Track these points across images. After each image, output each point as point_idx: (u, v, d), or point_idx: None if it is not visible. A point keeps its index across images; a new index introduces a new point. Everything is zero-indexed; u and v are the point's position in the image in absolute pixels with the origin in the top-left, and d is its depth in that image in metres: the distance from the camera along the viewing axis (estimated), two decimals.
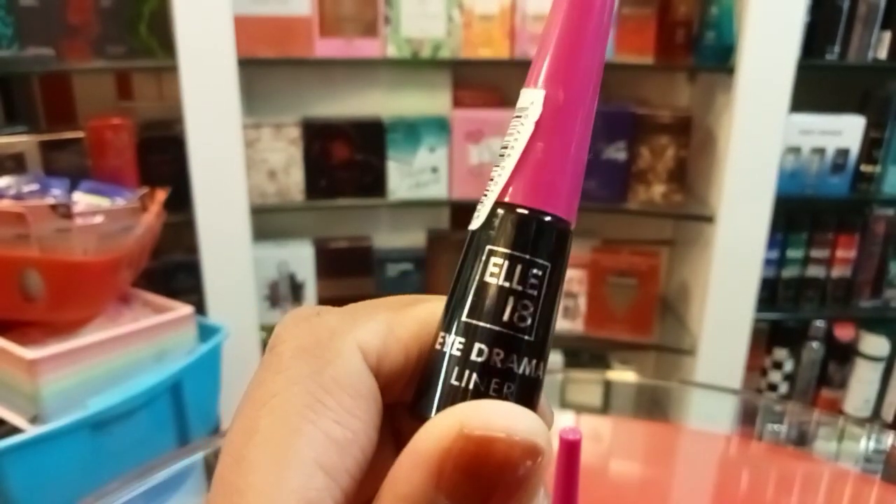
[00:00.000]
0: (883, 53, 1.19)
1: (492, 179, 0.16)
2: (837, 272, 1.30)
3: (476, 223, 0.16)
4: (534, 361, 0.15)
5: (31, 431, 0.77)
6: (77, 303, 0.89)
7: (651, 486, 0.60)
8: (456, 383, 0.15)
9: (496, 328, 0.15)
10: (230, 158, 1.13)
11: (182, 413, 0.93)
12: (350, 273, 1.30)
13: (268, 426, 0.14)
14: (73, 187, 0.97)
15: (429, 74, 1.29)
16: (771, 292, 1.29)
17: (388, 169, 1.24)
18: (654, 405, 0.77)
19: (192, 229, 1.14)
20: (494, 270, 0.15)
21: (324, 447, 0.14)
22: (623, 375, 1.17)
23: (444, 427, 0.13)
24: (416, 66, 1.27)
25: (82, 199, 0.94)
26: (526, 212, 0.15)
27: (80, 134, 1.12)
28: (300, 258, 1.27)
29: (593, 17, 0.16)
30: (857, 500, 0.59)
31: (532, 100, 0.16)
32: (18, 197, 0.91)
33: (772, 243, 1.24)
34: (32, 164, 1.06)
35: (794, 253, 1.29)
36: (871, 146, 1.23)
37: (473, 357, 0.15)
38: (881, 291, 1.32)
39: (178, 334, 0.94)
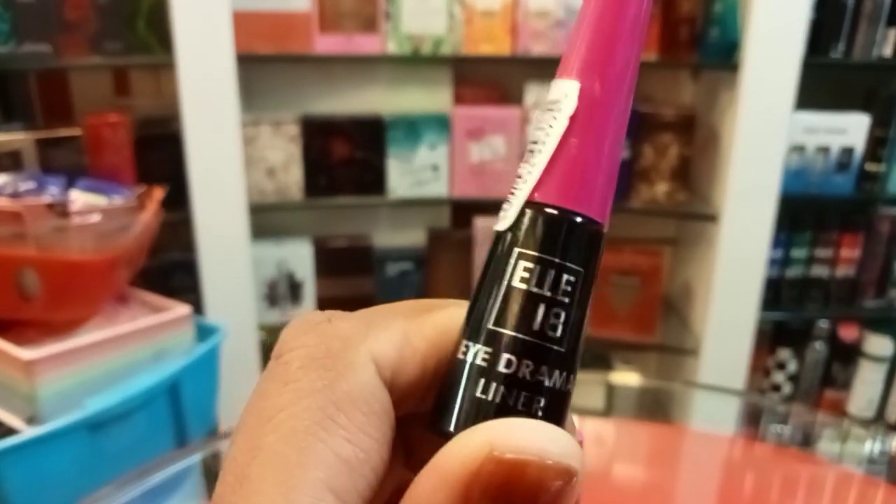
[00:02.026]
0: (888, 51, 1.18)
1: (520, 177, 0.15)
2: (842, 272, 1.29)
3: (503, 224, 0.15)
4: (564, 374, 0.14)
5: (27, 432, 0.77)
6: (74, 302, 0.88)
7: (655, 489, 0.60)
8: (481, 396, 0.14)
9: (525, 337, 0.14)
10: (228, 156, 1.12)
11: (180, 414, 0.92)
12: (350, 272, 1.29)
13: (273, 444, 0.13)
14: (70, 185, 0.96)
15: (429, 71, 1.28)
16: (774, 292, 1.29)
17: (388, 167, 1.23)
18: (656, 407, 0.76)
19: (189, 228, 1.13)
20: (524, 275, 0.14)
21: (334, 468, 0.13)
22: (626, 378, 1.17)
23: (471, 448, 0.12)
24: (416, 63, 1.26)
25: (79, 198, 0.94)
26: (558, 213, 0.14)
27: (77, 131, 1.11)
28: (299, 257, 1.26)
29: (633, 4, 0.15)
30: (862, 503, 0.59)
31: (566, 92, 0.15)
32: (15, 195, 0.90)
33: (775, 243, 1.23)
34: (29, 162, 1.05)
35: (797, 252, 1.28)
36: (876, 145, 1.22)
37: (500, 368, 0.14)
38: (886, 291, 1.31)
39: (176, 334, 0.93)
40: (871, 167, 1.23)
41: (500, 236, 0.15)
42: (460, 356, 0.14)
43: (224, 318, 1.11)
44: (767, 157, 1.16)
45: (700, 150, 1.28)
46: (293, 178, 1.22)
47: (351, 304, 1.43)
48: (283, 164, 1.21)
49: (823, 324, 1.32)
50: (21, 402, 0.80)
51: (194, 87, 1.07)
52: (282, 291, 1.27)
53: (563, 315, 0.14)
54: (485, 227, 1.27)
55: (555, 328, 0.14)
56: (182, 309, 0.94)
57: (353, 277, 1.30)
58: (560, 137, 0.14)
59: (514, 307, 0.14)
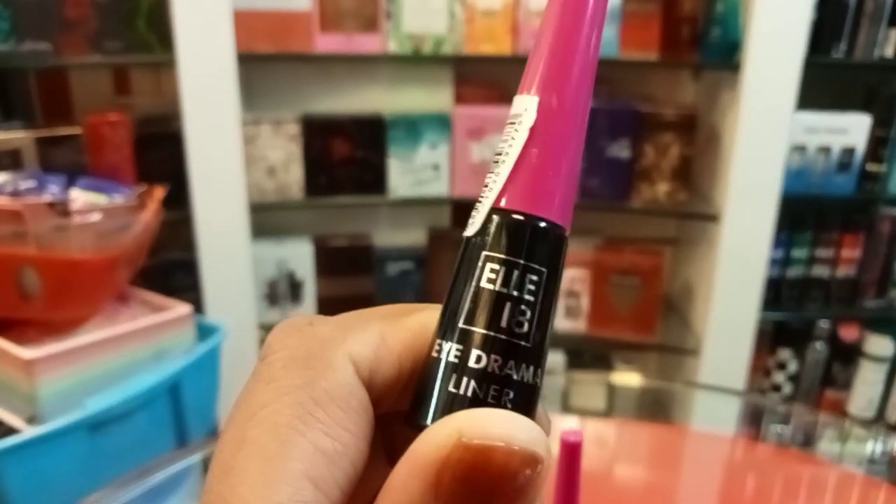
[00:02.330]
0: (889, 51, 1.18)
1: (486, 186, 0.16)
2: (842, 272, 1.29)
3: (471, 229, 0.16)
4: (531, 368, 0.15)
5: (28, 432, 0.77)
6: (74, 301, 0.88)
7: (655, 490, 0.60)
8: (454, 390, 0.15)
9: (494, 334, 0.15)
10: (229, 155, 1.12)
11: (180, 413, 0.92)
12: (350, 271, 1.29)
13: (256, 437, 0.14)
14: (71, 184, 0.96)
15: (430, 70, 1.28)
16: (775, 292, 1.29)
17: (388, 166, 1.23)
18: (657, 407, 0.76)
19: (190, 227, 1.13)
20: (491, 276, 0.15)
21: (313, 460, 0.13)
22: (626, 378, 1.17)
23: (442, 435, 0.13)
24: (417, 62, 1.26)
25: (80, 197, 0.93)
26: (522, 218, 0.15)
27: (77, 130, 1.10)
28: (299, 256, 1.26)
29: (585, 23, 0.16)
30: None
31: (526, 106, 0.16)
32: (15, 194, 0.90)
33: (776, 243, 1.23)
34: (29, 161, 1.05)
35: (798, 252, 1.28)
36: (877, 145, 1.22)
37: (471, 364, 0.15)
38: (886, 291, 1.31)
39: (177, 334, 0.93)
40: (872, 167, 1.23)
41: (468, 241, 0.16)
42: (434, 354, 0.15)
43: (224, 317, 1.11)
44: (768, 157, 1.16)
45: (701, 149, 1.28)
46: (293, 177, 1.22)
47: (351, 303, 1.42)
48: (284, 163, 1.21)
49: (824, 324, 1.32)
50: (21, 401, 0.80)
51: (195, 85, 1.07)
52: (282, 291, 1.27)
53: (528, 312, 0.15)
54: None
55: (521, 325, 0.15)
56: (182, 308, 0.94)
57: (353, 277, 1.29)
58: (521, 148, 0.15)
59: (483, 306, 0.15)
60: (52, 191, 0.92)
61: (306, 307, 1.28)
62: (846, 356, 1.34)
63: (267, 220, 1.27)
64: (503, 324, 0.15)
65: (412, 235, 1.33)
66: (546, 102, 0.15)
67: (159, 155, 1.14)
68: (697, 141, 1.26)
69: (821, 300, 1.30)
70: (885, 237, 1.28)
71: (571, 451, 0.17)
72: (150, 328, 0.90)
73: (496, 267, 0.15)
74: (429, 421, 0.15)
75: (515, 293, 0.15)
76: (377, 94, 1.28)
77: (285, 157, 1.21)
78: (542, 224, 0.15)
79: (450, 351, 0.15)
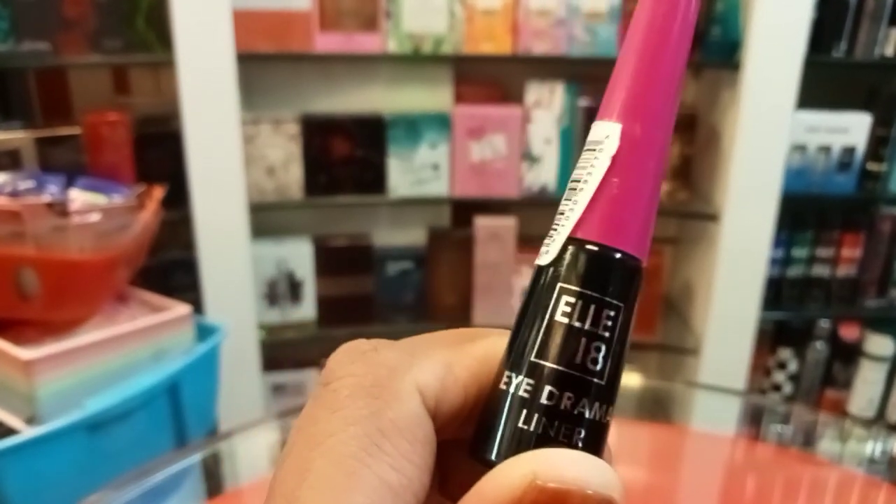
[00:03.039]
0: (890, 50, 1.18)
1: (562, 213, 0.15)
2: (843, 271, 1.29)
3: (546, 258, 0.15)
4: (604, 406, 0.15)
5: (27, 433, 0.76)
6: (73, 302, 0.88)
7: (655, 490, 0.60)
8: (523, 427, 0.14)
9: (567, 371, 0.14)
10: (228, 155, 1.11)
11: (180, 414, 0.92)
12: (350, 271, 1.29)
13: (322, 468, 0.13)
14: (70, 184, 0.96)
15: (430, 70, 1.27)
16: (775, 291, 1.29)
17: (388, 166, 1.23)
18: (657, 407, 0.76)
19: (189, 227, 1.12)
20: (566, 310, 0.15)
21: (378, 493, 0.13)
22: (626, 378, 1.16)
23: (515, 476, 0.13)
24: (417, 62, 1.25)
25: (79, 197, 0.93)
26: (600, 250, 0.15)
27: (76, 130, 1.10)
28: (299, 256, 1.26)
29: (671, 48, 0.15)
30: None
31: (608, 133, 0.15)
32: (14, 194, 0.89)
33: (777, 242, 1.23)
34: (28, 161, 1.05)
35: (799, 252, 1.28)
36: (878, 144, 1.22)
37: (542, 400, 0.14)
38: (887, 291, 1.31)
39: (176, 334, 0.93)
40: (872, 166, 1.23)
41: (541, 270, 0.15)
42: (503, 386, 0.15)
43: (224, 317, 1.11)
44: (769, 157, 1.16)
45: (701, 149, 1.28)
46: (293, 176, 1.22)
47: (351, 302, 1.41)
48: (283, 162, 1.21)
49: (824, 323, 1.32)
50: (20, 402, 0.80)
51: (194, 85, 1.07)
52: (282, 290, 1.27)
53: (603, 349, 0.15)
54: (485, 227, 1.26)
55: (595, 361, 0.14)
56: (182, 308, 0.94)
57: (353, 276, 1.29)
58: (602, 177, 0.15)
59: (557, 340, 0.14)
60: (51, 191, 0.92)
61: (306, 307, 1.28)
62: (847, 356, 1.34)
63: (266, 219, 1.26)
64: (578, 360, 0.14)
65: (412, 235, 1.33)
66: (629, 131, 0.15)
67: (159, 154, 1.13)
68: (697, 140, 1.26)
69: (821, 300, 1.30)
70: (885, 236, 1.28)
71: None
72: (150, 328, 0.89)
73: (572, 300, 0.15)
74: (494, 456, 0.14)
75: (591, 328, 0.14)
76: (377, 94, 1.27)
77: (285, 157, 1.21)
78: (621, 257, 0.15)
79: (520, 385, 0.15)
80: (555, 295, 0.15)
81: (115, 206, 0.90)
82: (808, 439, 0.69)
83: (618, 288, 0.15)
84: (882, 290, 1.31)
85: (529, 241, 1.28)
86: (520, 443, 0.14)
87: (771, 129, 1.15)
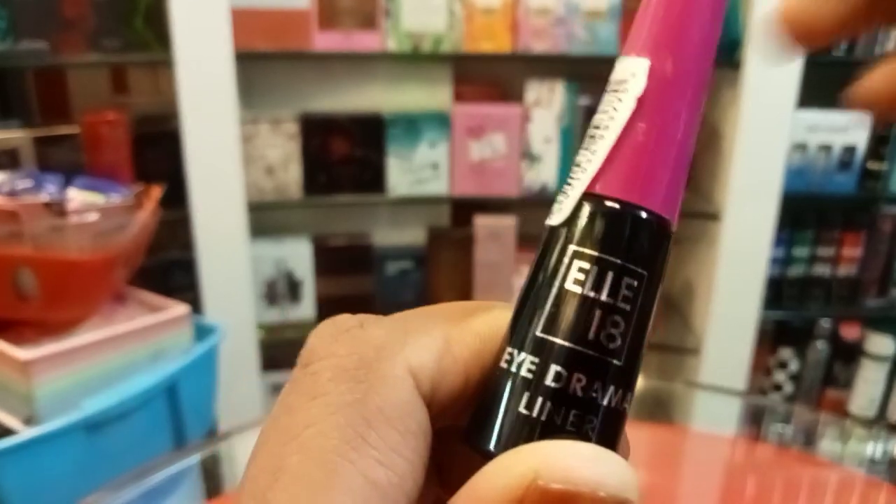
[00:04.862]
0: (890, 49, 1.17)
1: (578, 165, 0.13)
2: (843, 271, 1.29)
3: (557, 218, 0.13)
4: (620, 391, 0.13)
5: (25, 433, 0.76)
6: (71, 302, 0.87)
7: (655, 490, 0.59)
8: (525, 412, 0.12)
9: (579, 348, 0.12)
10: (227, 154, 1.11)
11: (178, 414, 0.92)
12: (349, 271, 1.29)
13: (298, 464, 0.12)
14: (68, 184, 0.95)
15: (429, 68, 1.27)
16: (776, 291, 1.28)
17: (387, 165, 1.23)
18: (657, 407, 0.76)
19: (188, 226, 1.12)
20: (579, 277, 0.12)
21: (363, 493, 0.11)
22: None
23: (514, 474, 0.11)
24: (416, 60, 1.25)
25: (77, 196, 0.93)
26: (621, 207, 0.13)
27: (74, 129, 1.10)
28: (298, 256, 1.26)
29: None
30: None
31: (633, 71, 0.13)
32: (12, 194, 0.89)
33: (777, 241, 1.23)
34: (26, 160, 1.05)
35: (799, 251, 1.27)
36: (878, 143, 1.22)
37: (548, 382, 0.12)
38: (887, 290, 1.31)
39: (175, 334, 0.93)
40: (873, 166, 1.23)
41: (553, 232, 0.13)
42: (503, 365, 0.13)
43: (223, 317, 1.11)
44: (769, 156, 1.16)
45: (702, 148, 1.27)
46: (292, 176, 1.22)
47: (350, 302, 1.40)
48: (282, 162, 1.21)
49: (825, 323, 1.32)
50: (18, 402, 0.80)
51: (193, 84, 1.06)
52: (281, 290, 1.27)
53: (622, 324, 0.12)
54: (485, 226, 1.26)
55: (612, 338, 0.12)
56: (180, 308, 0.94)
57: (352, 276, 1.29)
58: (625, 122, 0.13)
59: (567, 313, 0.12)
60: (49, 190, 0.92)
61: (305, 307, 1.28)
62: (847, 355, 1.34)
63: (265, 219, 1.26)
64: (591, 336, 0.12)
65: (412, 234, 1.33)
66: (659, 67, 0.13)
67: (157, 154, 1.13)
68: (698, 139, 1.25)
69: (822, 299, 1.30)
70: (886, 236, 1.28)
71: None
72: (148, 328, 0.89)
73: (586, 266, 0.12)
74: (493, 446, 0.13)
75: (609, 300, 0.12)
76: (376, 93, 1.27)
77: (284, 156, 1.20)
78: (646, 216, 0.13)
79: (522, 363, 0.13)
80: (567, 260, 0.13)
81: (113, 206, 0.90)
82: (808, 439, 0.68)
83: (641, 253, 0.13)
84: (883, 290, 1.31)
85: (529, 240, 1.28)
86: (521, 432, 0.12)
87: (771, 129, 1.14)
